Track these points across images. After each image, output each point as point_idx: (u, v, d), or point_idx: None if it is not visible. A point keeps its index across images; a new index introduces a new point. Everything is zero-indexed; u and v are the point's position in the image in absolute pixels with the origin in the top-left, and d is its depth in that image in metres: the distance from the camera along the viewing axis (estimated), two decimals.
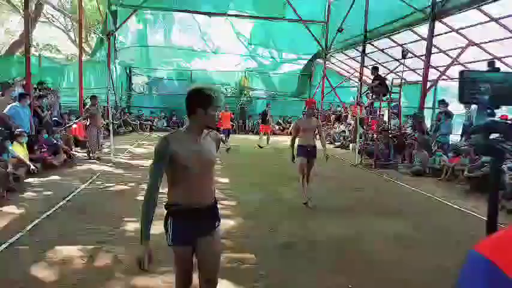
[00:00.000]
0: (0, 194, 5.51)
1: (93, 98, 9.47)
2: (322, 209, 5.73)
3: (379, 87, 10.26)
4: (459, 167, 8.02)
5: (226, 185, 7.08)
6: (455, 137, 10.57)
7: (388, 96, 10.50)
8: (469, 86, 1.27)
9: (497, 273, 0.55)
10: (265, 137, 13.60)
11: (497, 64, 9.39)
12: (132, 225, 4.65)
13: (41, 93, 10.01)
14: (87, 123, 9.42)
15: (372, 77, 10.57)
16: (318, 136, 5.98)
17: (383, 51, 13.92)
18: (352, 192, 6.93)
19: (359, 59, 13.97)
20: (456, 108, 10.25)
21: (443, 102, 10.49)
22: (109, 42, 15.44)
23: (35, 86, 10.11)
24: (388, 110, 11.19)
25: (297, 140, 5.84)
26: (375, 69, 10.75)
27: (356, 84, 15.49)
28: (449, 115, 9.86)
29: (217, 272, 2.38)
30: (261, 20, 16.76)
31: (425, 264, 3.90)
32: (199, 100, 2.16)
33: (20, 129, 7.43)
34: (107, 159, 8.99)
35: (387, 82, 10.64)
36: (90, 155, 9.20)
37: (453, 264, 3.90)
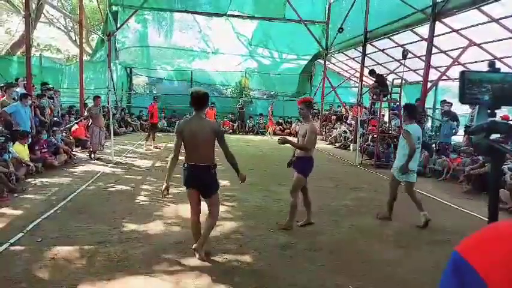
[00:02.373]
0: (1, 194, 5.51)
1: (96, 98, 9.48)
2: (322, 208, 5.73)
3: (380, 88, 10.25)
4: (460, 167, 8.02)
5: (226, 185, 7.08)
6: (457, 138, 10.55)
7: (388, 96, 10.50)
8: (470, 86, 1.27)
9: (471, 273, 0.55)
10: (270, 130, 16.39)
11: (498, 64, 9.38)
12: (132, 226, 4.66)
13: (46, 94, 10.03)
14: (89, 123, 9.43)
15: (374, 80, 10.54)
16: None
17: (383, 52, 13.92)
18: (352, 192, 6.93)
19: (359, 59, 13.97)
20: (458, 108, 10.23)
21: (444, 102, 10.48)
22: (109, 42, 15.47)
23: (35, 86, 10.11)
24: (389, 111, 11.19)
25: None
26: (372, 73, 10.74)
27: (356, 84, 15.51)
28: (452, 116, 9.77)
29: None
30: (261, 20, 16.79)
31: (425, 264, 3.90)
32: None
33: (24, 130, 7.45)
34: (107, 160, 8.99)
35: (387, 83, 10.62)
36: (92, 155, 9.21)
37: None
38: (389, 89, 10.37)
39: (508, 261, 0.53)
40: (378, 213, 5.48)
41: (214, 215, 3.79)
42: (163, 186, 3.62)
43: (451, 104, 10.05)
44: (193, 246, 3.77)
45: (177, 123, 3.77)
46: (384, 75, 11.51)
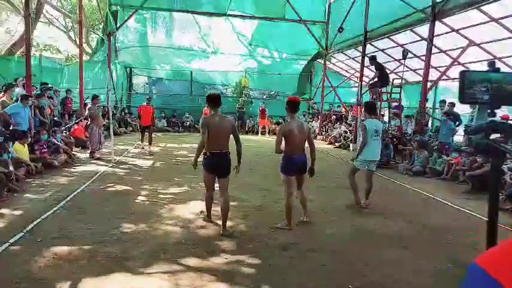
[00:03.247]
0: (0, 194, 5.51)
1: (95, 97, 9.50)
2: (322, 208, 5.73)
3: (380, 82, 10.17)
4: (460, 167, 8.02)
5: None
6: (458, 138, 10.55)
7: (388, 96, 10.49)
8: (470, 86, 1.27)
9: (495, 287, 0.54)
10: (266, 130, 16.83)
11: (497, 64, 9.38)
12: (132, 226, 4.66)
13: (45, 93, 10.02)
14: (88, 123, 9.44)
15: (374, 67, 10.46)
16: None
17: (383, 52, 13.92)
18: (352, 192, 6.91)
19: (359, 59, 13.97)
20: (460, 108, 10.23)
21: (444, 103, 10.48)
22: (109, 42, 15.46)
23: (35, 86, 10.10)
24: (389, 110, 11.19)
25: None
26: (372, 59, 10.65)
27: (356, 84, 15.51)
28: (454, 116, 9.75)
29: None
30: (261, 20, 16.79)
31: (426, 264, 3.90)
32: None
33: (24, 130, 7.45)
34: (107, 160, 8.99)
35: (386, 72, 10.57)
36: (91, 155, 9.21)
37: (454, 264, 3.90)
38: (389, 79, 10.30)
39: None
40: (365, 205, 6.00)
41: (225, 199, 4.58)
42: (193, 161, 4.64)
43: (454, 104, 10.05)
44: (224, 229, 4.56)
45: (201, 118, 4.73)
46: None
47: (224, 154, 4.48)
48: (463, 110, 10.18)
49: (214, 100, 4.52)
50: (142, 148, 10.83)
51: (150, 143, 10.71)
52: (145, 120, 10.71)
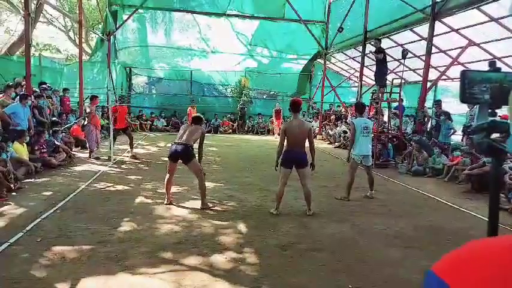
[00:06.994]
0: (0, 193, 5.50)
1: (93, 97, 9.50)
2: (322, 208, 5.73)
3: (381, 66, 10.05)
4: (460, 167, 8.02)
5: (226, 185, 7.08)
6: (457, 137, 10.56)
7: (388, 96, 10.47)
8: (470, 86, 1.27)
9: None
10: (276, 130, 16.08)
11: (497, 64, 9.39)
12: (132, 226, 4.66)
13: (44, 94, 10.01)
14: (85, 123, 9.44)
15: (375, 50, 10.30)
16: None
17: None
18: (352, 192, 6.91)
19: (359, 59, 13.97)
20: (457, 108, 10.24)
21: (438, 102, 10.53)
22: (109, 42, 15.44)
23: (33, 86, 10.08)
24: (389, 110, 11.18)
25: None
26: (378, 41, 10.36)
27: (356, 84, 15.51)
28: (448, 116, 9.83)
29: None
30: (261, 20, 16.78)
31: (426, 264, 3.89)
32: None
33: (22, 129, 7.44)
34: (106, 159, 8.98)
35: (387, 82, 10.56)
36: (90, 155, 9.21)
37: None
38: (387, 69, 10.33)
39: (486, 284, 0.52)
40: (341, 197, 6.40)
41: (200, 178, 5.36)
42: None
43: (440, 103, 10.17)
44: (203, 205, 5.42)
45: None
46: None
47: (184, 147, 5.31)
48: (458, 110, 10.23)
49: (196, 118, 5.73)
50: (109, 158, 9.04)
51: (131, 146, 9.72)
52: (120, 121, 9.55)
